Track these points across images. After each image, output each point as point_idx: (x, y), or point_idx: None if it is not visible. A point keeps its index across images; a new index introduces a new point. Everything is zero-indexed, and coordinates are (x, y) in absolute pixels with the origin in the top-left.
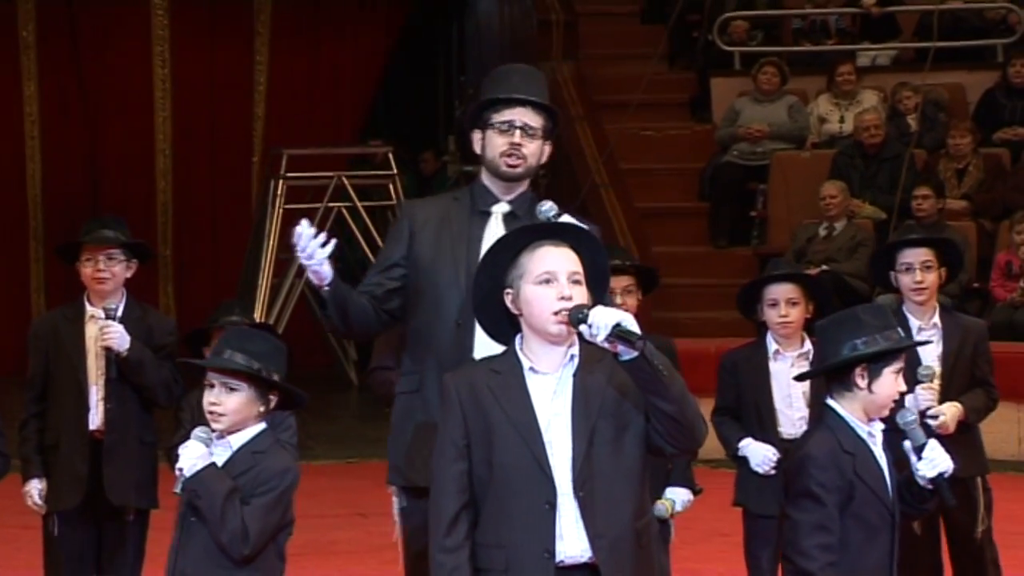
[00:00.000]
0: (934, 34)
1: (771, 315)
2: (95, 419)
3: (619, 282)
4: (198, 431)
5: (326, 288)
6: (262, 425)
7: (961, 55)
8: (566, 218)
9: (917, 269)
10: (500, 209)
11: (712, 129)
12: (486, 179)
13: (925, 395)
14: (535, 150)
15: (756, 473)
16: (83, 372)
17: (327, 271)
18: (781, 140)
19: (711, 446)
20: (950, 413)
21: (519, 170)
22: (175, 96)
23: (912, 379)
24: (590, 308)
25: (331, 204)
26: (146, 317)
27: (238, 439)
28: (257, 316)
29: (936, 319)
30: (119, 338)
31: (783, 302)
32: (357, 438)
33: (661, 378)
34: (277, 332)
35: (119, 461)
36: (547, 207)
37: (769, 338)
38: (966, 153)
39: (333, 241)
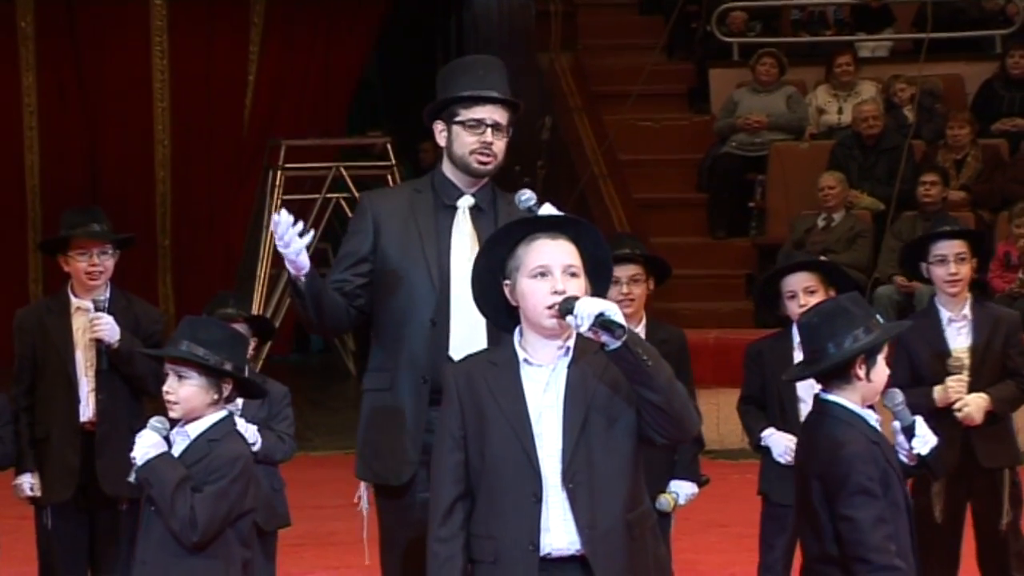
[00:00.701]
0: (928, 24)
1: (791, 307)
2: (86, 411)
3: (626, 271)
4: (153, 420)
5: (303, 278)
6: (221, 413)
7: (959, 46)
8: (547, 206)
9: (951, 261)
10: (465, 203)
11: (710, 120)
12: (448, 172)
13: (955, 387)
14: (503, 147)
15: (778, 462)
16: (72, 365)
17: (304, 261)
18: (779, 131)
19: (710, 437)
20: (974, 404)
21: (489, 167)
22: (174, 87)
23: (942, 371)
24: (577, 299)
25: (329, 195)
26: (132, 307)
27: (196, 428)
28: (255, 306)
29: (967, 310)
30: (110, 330)
31: (801, 292)
32: (355, 429)
33: (646, 368)
34: (272, 323)
35: (112, 451)
36: (527, 196)
37: (794, 329)
38: (964, 144)
39: (311, 231)
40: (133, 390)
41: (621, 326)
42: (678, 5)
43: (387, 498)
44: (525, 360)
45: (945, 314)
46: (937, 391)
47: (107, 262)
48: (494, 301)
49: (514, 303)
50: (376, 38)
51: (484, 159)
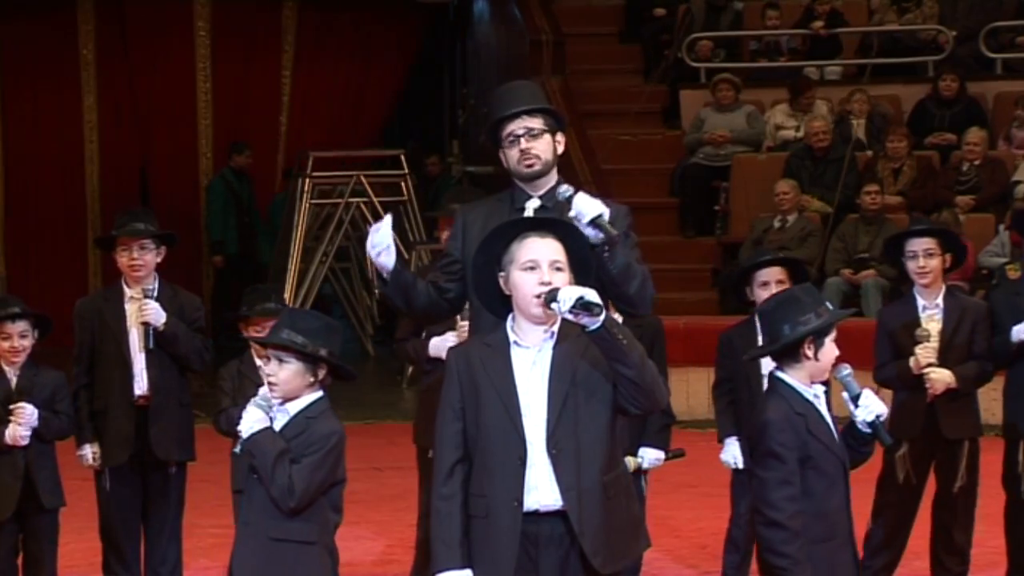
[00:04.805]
0: (876, 50)
1: (762, 294)
2: (140, 386)
3: None
4: (259, 398)
5: (387, 275)
6: (318, 394)
7: (897, 70)
8: (580, 195)
9: (920, 256)
10: (532, 204)
11: (681, 135)
12: (518, 181)
13: (924, 353)
14: (545, 146)
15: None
16: (127, 346)
17: (383, 262)
18: (741, 144)
19: (680, 409)
20: (939, 374)
21: (536, 168)
22: (215, 106)
23: (914, 343)
24: (560, 288)
25: (351, 200)
26: (177, 297)
27: (295, 406)
28: (286, 297)
29: (940, 300)
30: (155, 313)
31: (773, 282)
32: (373, 402)
33: (621, 346)
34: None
35: (163, 420)
36: (563, 188)
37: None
38: (902, 155)
39: (389, 246)
40: (179, 367)
41: (599, 304)
42: (654, 35)
43: None
44: (515, 343)
45: (920, 302)
46: (911, 360)
47: (146, 256)
48: (490, 291)
49: (508, 292)
50: (406, 70)
51: (528, 162)
